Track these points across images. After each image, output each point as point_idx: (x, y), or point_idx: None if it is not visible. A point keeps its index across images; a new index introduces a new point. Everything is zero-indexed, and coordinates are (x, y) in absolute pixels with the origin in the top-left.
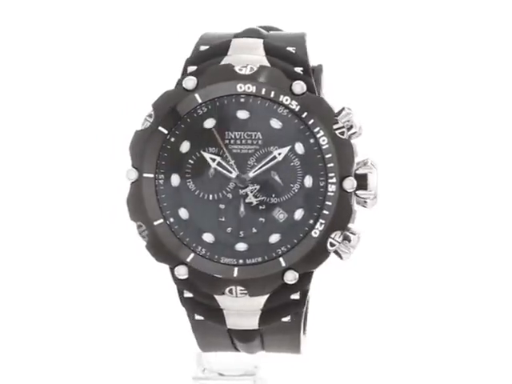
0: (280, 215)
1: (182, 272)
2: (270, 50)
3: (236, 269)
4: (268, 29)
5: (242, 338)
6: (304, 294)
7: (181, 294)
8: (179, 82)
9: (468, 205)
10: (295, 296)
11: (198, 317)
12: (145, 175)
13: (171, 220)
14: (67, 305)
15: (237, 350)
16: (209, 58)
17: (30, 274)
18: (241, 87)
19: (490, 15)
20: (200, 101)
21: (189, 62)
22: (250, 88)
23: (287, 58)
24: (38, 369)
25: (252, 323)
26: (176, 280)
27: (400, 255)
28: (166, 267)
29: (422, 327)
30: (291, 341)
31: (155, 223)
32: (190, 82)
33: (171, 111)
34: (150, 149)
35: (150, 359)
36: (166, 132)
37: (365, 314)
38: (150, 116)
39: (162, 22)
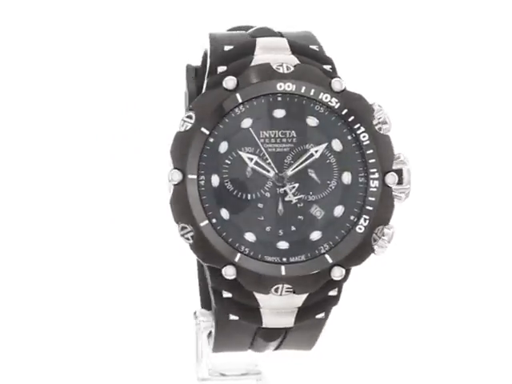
0: (317, 212)
1: (230, 272)
2: (296, 49)
3: (283, 267)
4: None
5: (268, 337)
6: (340, 290)
7: (219, 294)
8: (219, 82)
9: (471, 201)
10: (333, 292)
11: (232, 317)
12: (189, 177)
13: (214, 221)
14: (68, 305)
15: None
16: (236, 58)
17: (47, 273)
18: (280, 86)
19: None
20: (240, 100)
21: (217, 63)
22: (290, 87)
23: (313, 57)
24: (37, 369)
25: (288, 321)
26: (220, 280)
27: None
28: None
29: (418, 333)
30: (311, 338)
31: (201, 224)
32: (231, 82)
33: (215, 112)
34: (192, 150)
35: (153, 360)
36: (207, 133)
37: (365, 312)
38: (189, 117)
39: (155, 22)
